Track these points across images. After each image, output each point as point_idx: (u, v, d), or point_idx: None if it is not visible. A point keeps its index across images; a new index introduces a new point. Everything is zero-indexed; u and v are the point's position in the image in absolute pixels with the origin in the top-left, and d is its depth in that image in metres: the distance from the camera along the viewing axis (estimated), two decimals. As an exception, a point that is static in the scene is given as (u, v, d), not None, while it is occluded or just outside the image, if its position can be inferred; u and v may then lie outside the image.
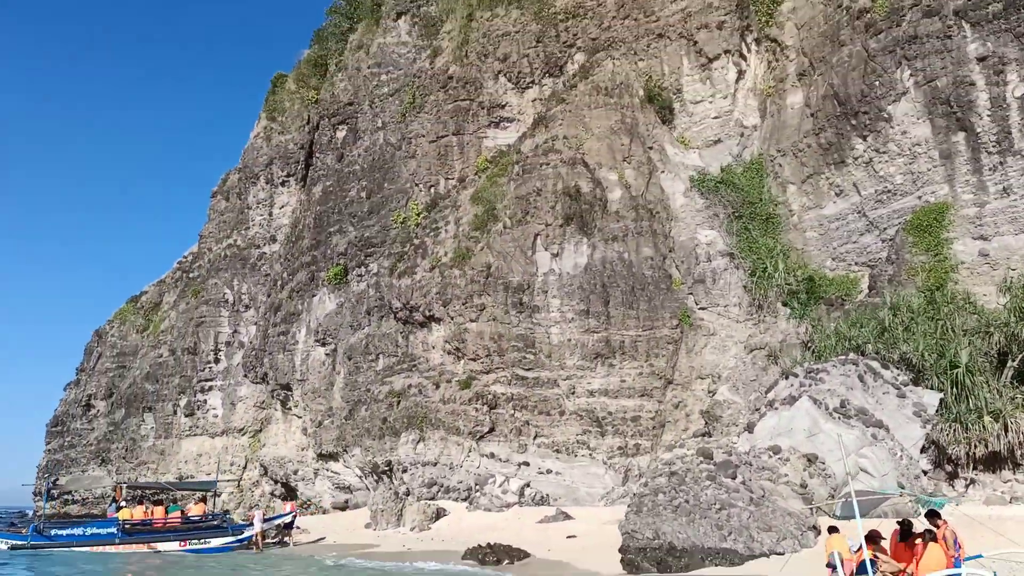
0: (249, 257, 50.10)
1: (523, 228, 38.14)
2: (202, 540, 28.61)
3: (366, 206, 44.34)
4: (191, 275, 54.18)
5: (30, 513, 58.20)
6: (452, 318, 37.79)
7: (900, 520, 14.94)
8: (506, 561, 21.79)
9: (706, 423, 31.49)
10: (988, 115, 28.36)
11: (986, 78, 28.61)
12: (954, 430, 23.85)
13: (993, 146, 28.34)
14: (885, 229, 31.07)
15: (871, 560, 12.77)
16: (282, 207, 50.25)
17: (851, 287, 31.25)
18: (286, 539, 30.32)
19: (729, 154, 37.32)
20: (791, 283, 32.13)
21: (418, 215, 42.95)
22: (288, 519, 30.79)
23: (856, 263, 32.04)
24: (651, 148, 38.53)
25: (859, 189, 32.08)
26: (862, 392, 22.97)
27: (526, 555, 22.35)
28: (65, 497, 49.21)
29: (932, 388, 25.22)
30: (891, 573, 13.14)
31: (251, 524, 29.08)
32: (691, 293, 35.07)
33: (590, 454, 32.97)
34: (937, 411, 24.87)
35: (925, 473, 24.59)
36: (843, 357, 24.82)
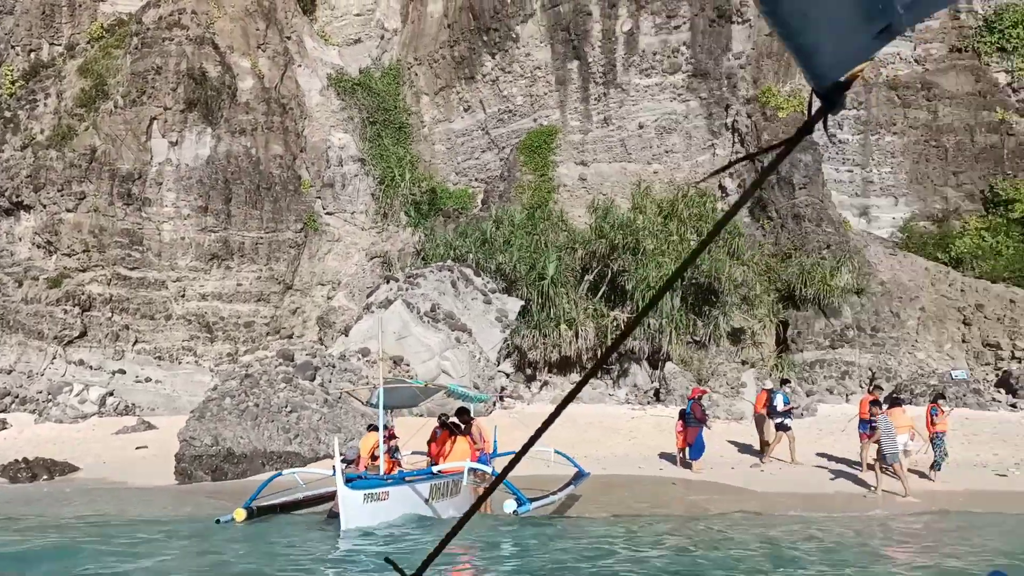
0: None
1: (138, 110, 33.82)
2: None
3: (-58, 65, 36.23)
4: None
5: None
6: (45, 206, 32.73)
7: (440, 415, 15.22)
8: (44, 476, 19.19)
9: (320, 329, 30.83)
10: (599, 46, 30.23)
11: (601, 10, 30.37)
12: (534, 336, 25.64)
13: (600, 77, 30.37)
14: (504, 148, 32.26)
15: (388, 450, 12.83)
16: None
17: (468, 201, 32.18)
18: None
19: (369, 56, 36.09)
20: (415, 193, 32.24)
21: (12, 83, 36.29)
22: None
23: (476, 179, 33.00)
24: (289, 38, 35.93)
25: (485, 106, 32.85)
26: (453, 297, 23.65)
27: (74, 469, 19.91)
28: None
29: (523, 297, 26.84)
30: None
31: None
32: (319, 197, 33.75)
33: (196, 361, 30.74)
34: (524, 319, 26.57)
35: (508, 376, 26.30)
36: (441, 264, 25.36)
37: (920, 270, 31.15)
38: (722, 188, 31.57)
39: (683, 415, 16.86)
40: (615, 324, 26.81)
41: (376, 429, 14.58)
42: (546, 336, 26.02)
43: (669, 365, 26.25)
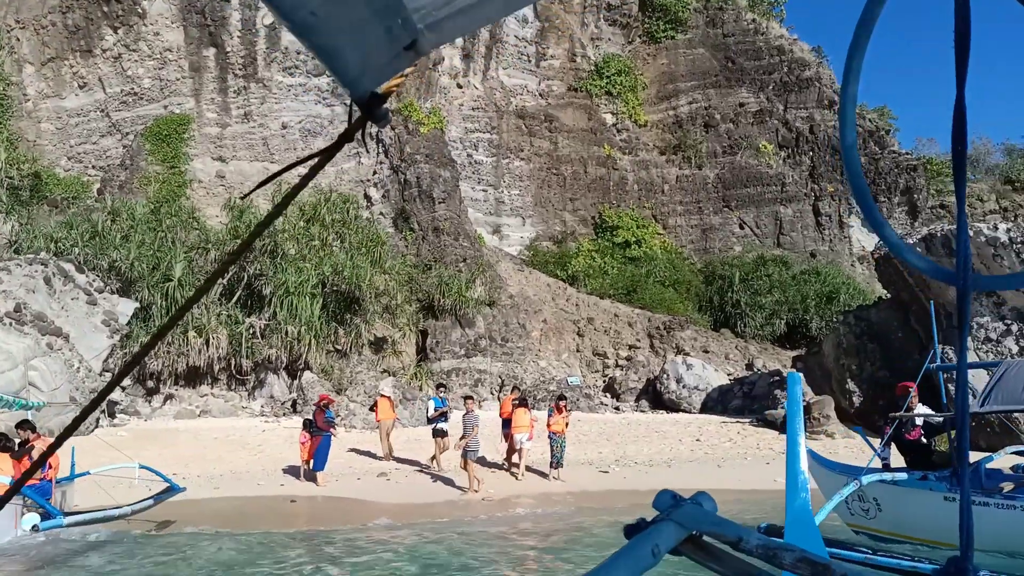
0: None
1: None
2: None
3: None
4: None
5: None
6: None
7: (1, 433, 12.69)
8: None
9: None
10: (239, 36, 28.45)
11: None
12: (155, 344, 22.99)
13: (240, 69, 28.58)
14: (127, 134, 28.80)
15: None
16: None
17: (81, 190, 28.09)
18: None
19: (-47, 9, 29.97)
20: (13, 177, 27.27)
21: None
22: None
23: (93, 166, 29.00)
24: None
25: (105, 86, 29.08)
26: (46, 296, 20.19)
27: None
28: None
29: (144, 300, 23.99)
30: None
31: None
32: None
33: None
34: (145, 325, 23.76)
35: (123, 388, 23.25)
36: (32, 256, 21.61)
37: (543, 285, 34.16)
38: (367, 197, 31.57)
39: (308, 425, 16.05)
40: (251, 331, 25.21)
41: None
42: (171, 344, 23.53)
43: (308, 374, 25.30)
